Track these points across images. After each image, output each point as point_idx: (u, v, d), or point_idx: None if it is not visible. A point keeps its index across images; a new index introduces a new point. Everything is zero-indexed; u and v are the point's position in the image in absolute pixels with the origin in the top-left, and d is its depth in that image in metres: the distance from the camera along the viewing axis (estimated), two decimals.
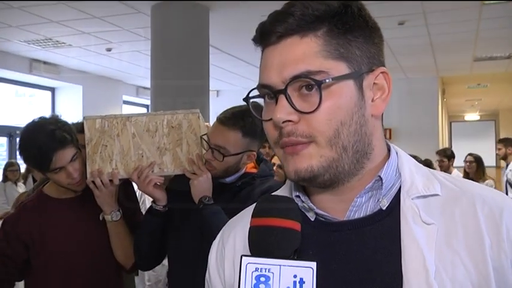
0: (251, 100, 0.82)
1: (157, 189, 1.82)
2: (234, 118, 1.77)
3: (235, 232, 0.88)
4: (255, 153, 1.85)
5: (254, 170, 1.93)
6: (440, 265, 0.72)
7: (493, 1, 5.17)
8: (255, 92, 0.80)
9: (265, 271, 0.64)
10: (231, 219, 0.94)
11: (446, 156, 6.24)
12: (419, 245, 0.73)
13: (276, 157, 3.95)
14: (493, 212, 0.75)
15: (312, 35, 0.74)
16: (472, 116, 18.56)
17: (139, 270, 2.83)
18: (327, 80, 0.72)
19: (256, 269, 0.64)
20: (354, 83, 0.74)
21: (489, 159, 18.63)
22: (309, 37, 0.74)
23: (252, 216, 0.71)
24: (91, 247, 1.93)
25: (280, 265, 0.64)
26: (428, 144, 6.99)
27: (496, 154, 6.60)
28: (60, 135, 1.83)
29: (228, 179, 1.87)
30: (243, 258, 0.65)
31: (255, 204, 0.92)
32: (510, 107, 16.49)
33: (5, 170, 6.21)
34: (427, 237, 0.73)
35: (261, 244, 0.67)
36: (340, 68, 0.74)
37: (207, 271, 0.90)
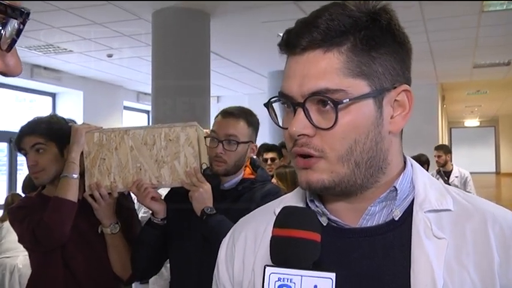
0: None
1: (156, 202, 1.84)
2: (237, 110, 1.91)
3: (246, 231, 0.89)
4: (256, 145, 1.98)
5: (252, 176, 1.97)
6: (449, 279, 0.72)
7: (493, 0, 5.17)
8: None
9: (287, 281, 0.65)
10: (242, 219, 0.95)
11: (421, 162, 6.19)
12: (429, 258, 0.73)
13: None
14: (504, 230, 0.75)
15: (335, 50, 0.73)
16: (472, 122, 18.59)
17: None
18: (344, 101, 0.72)
19: (279, 279, 0.66)
20: (373, 102, 0.74)
21: (489, 165, 18.66)
22: (332, 52, 0.73)
23: (274, 227, 0.71)
24: (88, 256, 1.93)
25: (301, 275, 0.66)
26: (428, 150, 6.97)
27: (436, 161, 6.31)
28: (32, 124, 1.95)
29: (227, 185, 1.91)
30: (267, 268, 0.66)
31: (266, 205, 0.93)
32: (509, 113, 16.52)
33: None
34: (437, 251, 0.74)
35: (283, 254, 0.68)
36: (360, 86, 0.73)
37: (216, 267, 0.92)
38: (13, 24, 0.55)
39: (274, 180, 3.76)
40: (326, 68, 0.73)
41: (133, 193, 1.86)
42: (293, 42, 0.75)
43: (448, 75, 9.41)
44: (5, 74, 0.58)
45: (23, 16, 0.55)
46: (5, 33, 0.55)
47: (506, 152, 17.98)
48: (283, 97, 0.77)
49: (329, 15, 0.73)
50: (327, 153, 0.74)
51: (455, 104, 14.07)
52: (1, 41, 0.55)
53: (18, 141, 1.94)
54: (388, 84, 0.75)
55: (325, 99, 0.72)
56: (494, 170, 18.38)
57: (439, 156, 6.29)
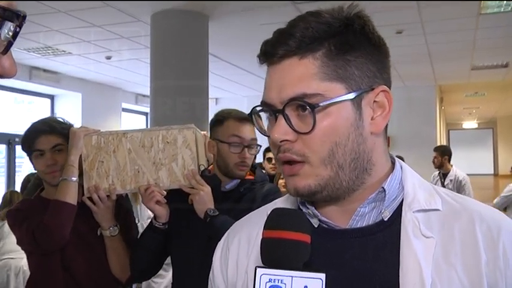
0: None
1: (160, 206, 1.84)
2: (245, 114, 1.91)
3: (241, 235, 0.91)
4: None
5: (251, 177, 1.99)
6: (437, 278, 0.73)
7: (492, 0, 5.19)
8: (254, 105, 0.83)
9: (278, 282, 0.66)
10: (236, 222, 0.97)
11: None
12: (417, 257, 0.74)
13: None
14: (491, 230, 0.76)
15: (310, 56, 0.75)
16: (470, 124, 18.63)
17: None
18: (321, 104, 0.74)
19: (270, 280, 0.66)
20: (351, 104, 0.76)
21: (487, 167, 18.67)
22: (308, 59, 0.75)
23: (264, 228, 0.73)
24: (88, 258, 1.94)
25: (292, 276, 0.66)
26: (426, 152, 6.99)
27: (432, 162, 6.29)
28: (51, 124, 1.96)
29: (228, 186, 1.93)
30: (258, 269, 0.67)
31: (260, 209, 0.95)
32: (507, 115, 16.56)
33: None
34: (426, 250, 0.75)
35: (274, 256, 0.69)
36: (337, 89, 0.75)
37: (211, 271, 0.93)
38: (9, 26, 0.55)
39: (281, 181, 3.73)
40: (302, 74, 0.75)
41: (140, 194, 1.87)
42: (270, 52, 0.78)
43: (446, 77, 9.43)
44: (0, 76, 0.58)
45: (20, 19, 0.55)
46: (0, 36, 0.55)
47: (504, 154, 18.01)
48: (265, 106, 0.79)
49: (303, 24, 0.76)
50: (309, 157, 0.76)
51: (453, 105, 14.10)
52: None
53: (33, 141, 1.93)
54: (365, 86, 0.77)
55: (303, 103, 0.74)
56: (492, 172, 18.41)
57: (434, 158, 6.24)
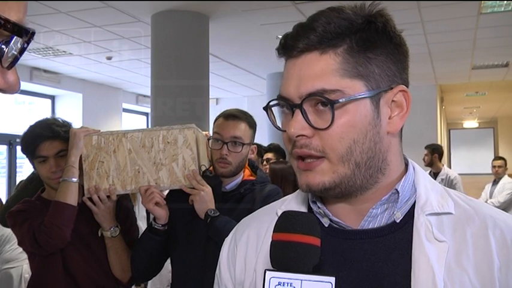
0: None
1: (159, 208, 1.84)
2: (238, 112, 1.95)
3: (249, 231, 0.90)
4: (256, 146, 2.05)
5: (252, 177, 1.99)
6: (449, 282, 0.73)
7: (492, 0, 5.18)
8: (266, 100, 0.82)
9: (288, 285, 0.66)
10: (244, 219, 0.96)
11: None
12: (430, 261, 0.74)
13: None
14: (504, 235, 0.76)
15: (331, 52, 0.74)
16: (471, 123, 18.59)
17: None
18: (341, 100, 0.73)
19: (279, 283, 0.66)
20: (370, 102, 0.75)
21: (488, 167, 18.59)
22: (329, 54, 0.74)
23: (274, 231, 0.72)
24: (88, 259, 1.94)
25: (301, 279, 0.66)
26: None
27: (423, 160, 6.15)
28: (54, 129, 1.94)
29: (228, 187, 1.93)
30: (267, 272, 0.67)
31: (268, 206, 0.94)
32: (508, 114, 16.53)
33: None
34: (438, 254, 0.74)
35: (283, 259, 0.69)
36: (357, 86, 0.74)
37: (218, 267, 0.92)
38: (17, 42, 0.55)
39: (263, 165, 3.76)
40: (322, 69, 0.74)
41: (141, 194, 1.87)
42: (290, 45, 0.77)
43: (447, 76, 9.42)
44: (4, 91, 0.58)
45: (28, 35, 0.55)
46: (7, 51, 0.55)
47: (505, 153, 17.94)
48: (282, 99, 0.78)
49: (325, 19, 0.75)
50: (328, 154, 0.75)
51: (454, 105, 14.08)
52: (3, 58, 0.55)
53: (36, 147, 1.91)
54: (384, 85, 0.76)
55: (322, 99, 0.73)
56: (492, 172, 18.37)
57: (425, 155, 6.12)
